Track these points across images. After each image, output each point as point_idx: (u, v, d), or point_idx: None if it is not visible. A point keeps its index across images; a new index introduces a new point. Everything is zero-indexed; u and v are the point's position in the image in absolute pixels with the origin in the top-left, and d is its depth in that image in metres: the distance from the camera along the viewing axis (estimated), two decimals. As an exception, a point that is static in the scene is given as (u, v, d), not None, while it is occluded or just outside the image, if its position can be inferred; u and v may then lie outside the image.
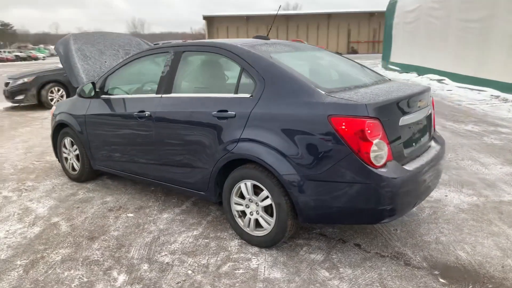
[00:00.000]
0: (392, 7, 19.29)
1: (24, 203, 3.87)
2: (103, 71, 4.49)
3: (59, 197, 4.02)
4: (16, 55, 50.48)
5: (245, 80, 2.93)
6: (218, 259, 2.80)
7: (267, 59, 2.89)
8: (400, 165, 2.58)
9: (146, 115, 3.40)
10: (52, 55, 55.95)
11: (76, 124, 4.14)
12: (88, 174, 4.33)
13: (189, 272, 2.65)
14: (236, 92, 2.95)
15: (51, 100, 9.74)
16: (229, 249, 2.94)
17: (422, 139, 2.97)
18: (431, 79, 13.28)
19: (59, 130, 4.48)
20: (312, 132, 2.55)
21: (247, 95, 2.87)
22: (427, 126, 3.08)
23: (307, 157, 2.57)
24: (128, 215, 3.56)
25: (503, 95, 9.48)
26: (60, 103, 4.56)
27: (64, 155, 4.51)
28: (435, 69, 13.86)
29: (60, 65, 6.90)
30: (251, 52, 2.96)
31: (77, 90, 3.94)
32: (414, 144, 2.83)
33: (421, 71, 15.05)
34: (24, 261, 2.83)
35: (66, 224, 3.40)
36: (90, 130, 4.01)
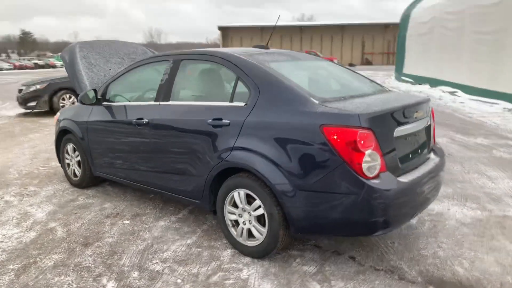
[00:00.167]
0: (406, 18, 19.20)
1: (24, 208, 3.91)
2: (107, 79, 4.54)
3: (58, 203, 4.04)
4: (35, 63, 51.71)
5: (240, 88, 2.92)
6: (209, 268, 2.77)
7: (262, 68, 2.88)
8: (394, 177, 2.52)
9: (144, 122, 3.42)
10: (69, 63, 56.94)
11: (78, 130, 4.19)
12: (89, 180, 4.36)
13: (178, 281, 2.62)
14: (231, 101, 2.95)
15: (63, 106, 9.90)
16: (221, 258, 2.91)
17: (419, 150, 2.91)
18: (443, 91, 13.11)
19: (62, 136, 4.53)
20: (304, 142, 2.52)
21: (242, 104, 2.86)
22: (425, 138, 3.02)
23: (299, 167, 2.53)
24: (124, 222, 3.56)
25: (516, 108, 9.29)
26: (64, 109, 4.62)
27: (67, 161, 4.55)
28: (448, 81, 13.68)
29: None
30: (247, 60, 2.96)
31: (79, 97, 3.99)
32: (410, 155, 2.78)
33: (433, 83, 14.88)
34: (17, 265, 2.84)
35: (62, 230, 3.41)
36: (91, 136, 4.05)
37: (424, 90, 14.27)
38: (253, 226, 2.83)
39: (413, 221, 3.50)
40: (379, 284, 2.57)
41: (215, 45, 67.77)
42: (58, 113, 4.69)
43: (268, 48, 3.55)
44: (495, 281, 2.59)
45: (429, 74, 15.65)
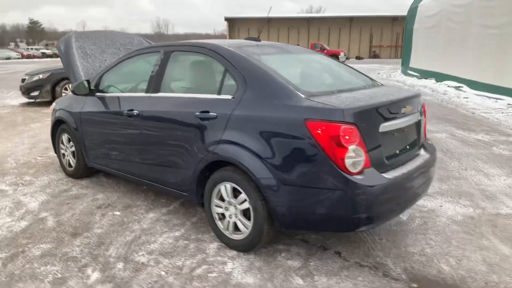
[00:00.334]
0: (413, 11, 18.96)
1: (18, 197, 3.94)
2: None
3: (52, 193, 4.07)
4: (42, 52, 52.00)
5: (228, 81, 2.90)
6: (194, 261, 2.78)
7: (250, 60, 2.85)
8: (378, 173, 2.50)
9: (135, 113, 3.42)
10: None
11: (72, 121, 4.20)
12: (83, 171, 4.38)
13: (162, 273, 2.63)
14: (219, 93, 2.93)
15: (65, 97, 9.93)
16: (207, 251, 2.91)
17: (408, 146, 2.88)
18: (448, 86, 12.97)
19: (58, 126, 4.55)
20: (288, 136, 2.50)
21: (229, 97, 2.84)
22: (414, 134, 2.99)
23: (283, 161, 2.52)
24: (115, 213, 3.58)
25: (521, 104, 9.17)
26: (60, 99, 4.64)
27: (62, 151, 4.58)
28: (454, 76, 13.53)
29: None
30: (235, 52, 2.94)
31: (71, 87, 3.99)
32: (397, 151, 2.75)
33: (439, 77, 14.72)
34: (5, 254, 2.87)
35: (53, 220, 3.44)
36: (85, 127, 4.06)
37: (429, 84, 14.12)
38: (239, 219, 2.83)
39: (403, 217, 3.48)
40: (362, 280, 2.56)
41: (223, 37, 67.52)
42: (54, 103, 4.71)
43: (259, 41, 3.52)
44: (480, 279, 2.57)
45: (435, 69, 15.48)
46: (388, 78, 18.51)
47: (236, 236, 2.88)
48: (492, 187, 4.24)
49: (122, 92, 3.79)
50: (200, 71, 3.34)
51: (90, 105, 3.98)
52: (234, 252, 2.89)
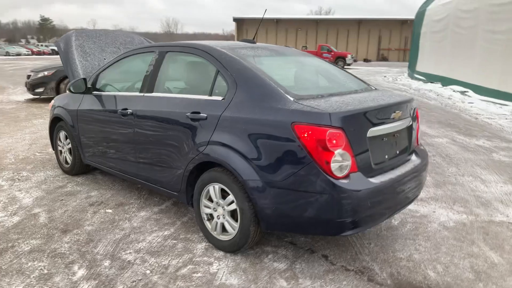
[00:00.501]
0: (420, 15, 18.85)
1: (13, 193, 3.98)
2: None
3: (47, 189, 4.11)
4: (52, 49, 52.40)
5: (219, 82, 2.91)
6: (180, 261, 2.79)
7: (241, 62, 2.86)
8: (364, 177, 2.49)
9: (128, 113, 3.44)
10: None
11: (69, 118, 4.24)
12: (79, 168, 4.41)
13: (147, 272, 2.65)
14: (210, 94, 2.94)
15: (69, 94, 10.01)
16: (194, 251, 2.92)
17: (397, 151, 2.86)
18: (454, 91, 12.87)
19: (56, 123, 4.59)
20: (275, 139, 2.50)
21: (220, 98, 2.85)
22: (405, 139, 2.97)
23: (270, 163, 2.52)
24: (106, 210, 3.60)
25: (525, 110, 9.08)
26: (59, 97, 4.67)
27: (59, 148, 4.62)
28: (460, 81, 13.43)
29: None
30: (227, 54, 2.95)
31: (68, 85, 4.03)
32: (386, 156, 2.74)
33: (446, 81, 14.62)
34: (-6, 249, 2.91)
35: (45, 216, 3.47)
36: (81, 125, 4.09)
37: (435, 88, 14.03)
38: (226, 220, 2.84)
39: (395, 222, 3.47)
40: (346, 284, 2.55)
41: (231, 37, 67.55)
42: (53, 100, 4.75)
43: (254, 42, 3.52)
44: (466, 287, 2.55)
45: (441, 73, 15.38)
46: (394, 81, 18.42)
47: (224, 237, 2.88)
48: (488, 193, 4.20)
49: (117, 91, 3.81)
50: (192, 72, 3.35)
51: (86, 103, 4.01)
52: (221, 253, 2.90)
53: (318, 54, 31.13)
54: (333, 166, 2.38)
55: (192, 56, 3.19)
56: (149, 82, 3.39)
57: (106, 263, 2.74)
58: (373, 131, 2.57)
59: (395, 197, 2.74)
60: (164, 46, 3.43)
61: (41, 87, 9.88)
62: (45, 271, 2.63)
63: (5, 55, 46.11)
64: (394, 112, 2.74)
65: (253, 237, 2.73)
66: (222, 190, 2.83)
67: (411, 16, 20.68)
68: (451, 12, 14.82)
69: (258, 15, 55.85)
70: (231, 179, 2.71)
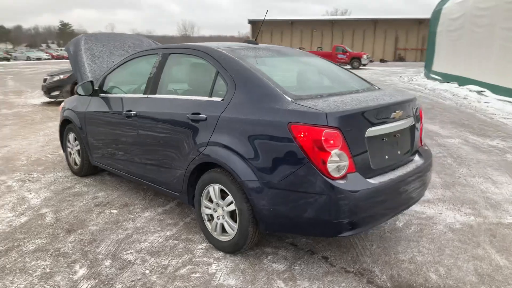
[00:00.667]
0: (436, 14, 18.56)
1: (23, 193, 4.08)
2: (107, 71, 4.63)
3: (56, 190, 4.19)
4: (71, 54, 53.32)
5: (219, 83, 2.92)
6: (180, 261, 2.81)
7: (240, 63, 2.87)
8: (362, 178, 2.46)
9: (133, 114, 3.48)
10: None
11: (77, 120, 4.31)
12: (88, 169, 4.48)
13: (147, 271, 2.67)
14: (210, 95, 2.96)
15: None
16: (194, 252, 2.94)
17: (399, 151, 2.82)
18: (470, 90, 12.62)
19: (65, 125, 4.68)
20: (273, 139, 2.50)
21: (219, 99, 2.86)
22: (407, 139, 2.93)
23: (267, 164, 2.52)
24: (111, 211, 3.65)
25: (544, 110, 8.83)
26: (68, 99, 4.76)
27: (68, 149, 4.70)
28: (477, 80, 13.16)
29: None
30: (226, 55, 2.96)
31: (75, 88, 4.10)
32: (386, 156, 2.70)
33: (462, 81, 14.35)
34: (0, 248, 2.97)
35: (52, 216, 3.53)
36: (88, 126, 4.16)
37: (451, 88, 13.78)
38: (226, 221, 2.84)
39: (399, 224, 3.41)
40: (345, 286, 2.52)
41: (247, 39, 67.76)
42: (63, 103, 4.84)
43: (256, 43, 3.52)
44: (468, 290, 2.50)
45: (458, 72, 15.10)
46: (410, 81, 18.17)
47: (223, 238, 2.89)
48: (499, 195, 4.10)
49: (123, 93, 3.87)
50: (194, 73, 3.37)
51: (93, 105, 4.08)
52: (220, 254, 2.91)
53: (333, 54, 30.96)
54: (330, 166, 2.36)
55: (194, 58, 3.21)
56: (152, 84, 3.42)
57: (107, 262, 2.78)
58: (372, 131, 2.54)
59: (396, 198, 2.70)
60: (166, 48, 3.46)
61: (57, 90, 10.09)
62: (47, 270, 2.68)
63: (26, 60, 47.27)
64: (394, 112, 2.70)
65: (252, 238, 2.73)
66: (222, 191, 2.84)
67: (428, 15, 20.35)
68: (468, 10, 14.54)
69: (273, 17, 55.88)
70: (230, 179, 2.72)
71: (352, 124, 2.45)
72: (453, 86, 14.21)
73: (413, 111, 2.99)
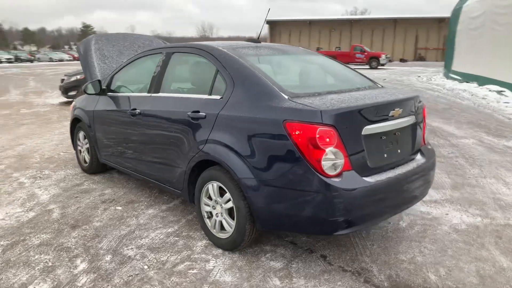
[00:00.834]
0: (457, 13, 18.17)
1: (33, 190, 4.19)
2: (116, 70, 4.71)
3: (65, 186, 4.29)
4: (92, 55, 54.38)
5: (219, 81, 2.94)
6: (178, 257, 2.84)
7: (239, 61, 2.88)
8: (358, 176, 2.44)
9: (137, 112, 3.54)
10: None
11: (86, 119, 4.41)
12: (96, 167, 4.57)
13: (145, 267, 2.71)
14: (210, 94, 2.98)
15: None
16: (194, 248, 2.96)
17: (399, 150, 2.78)
18: (490, 90, 12.30)
19: (75, 124, 4.78)
20: (268, 137, 2.50)
21: (218, 97, 2.88)
22: (408, 137, 2.89)
23: (263, 161, 2.52)
24: (116, 208, 3.71)
25: None
26: (78, 98, 4.86)
27: (78, 147, 4.81)
28: (497, 80, 12.82)
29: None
30: (227, 53, 2.97)
31: (83, 87, 4.19)
32: (385, 155, 2.67)
33: (482, 81, 14.00)
34: (7, 242, 3.06)
35: (59, 212, 3.62)
36: (97, 125, 4.24)
37: (470, 88, 13.47)
38: (224, 218, 2.86)
39: (403, 224, 3.37)
40: (341, 285, 2.51)
41: (264, 40, 67.85)
42: (74, 102, 4.95)
43: (259, 42, 3.53)
44: (467, 292, 2.45)
45: (477, 72, 14.74)
46: (428, 81, 17.85)
47: (222, 235, 2.91)
48: (509, 196, 4.00)
49: (128, 92, 3.93)
50: (195, 72, 3.40)
51: (101, 104, 4.16)
52: (219, 251, 2.92)
53: (351, 54, 30.68)
54: (325, 164, 2.35)
55: (195, 56, 3.24)
56: (156, 83, 3.47)
57: (108, 257, 2.83)
58: (369, 129, 2.52)
59: (395, 197, 2.67)
60: (170, 48, 3.51)
61: (74, 90, 10.29)
62: (50, 264, 2.75)
63: (48, 61, 48.45)
64: (393, 110, 2.66)
65: (249, 235, 2.73)
66: (221, 189, 2.85)
67: (449, 14, 19.96)
68: (488, 8, 14.19)
69: (291, 17, 55.73)
70: (228, 177, 2.73)
71: (348, 122, 2.43)
72: (472, 86, 13.89)
73: (415, 109, 2.94)
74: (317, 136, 2.32)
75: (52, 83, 17.29)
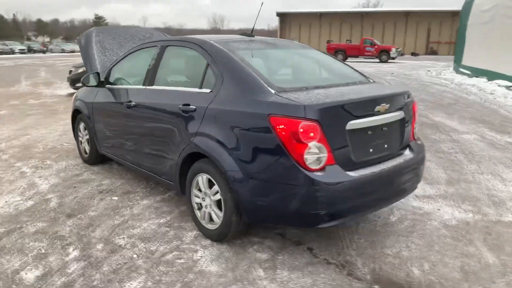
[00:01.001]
0: (468, 6, 17.88)
1: (33, 179, 4.29)
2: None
3: (65, 176, 4.38)
4: (103, 46, 54.67)
5: (209, 75, 2.98)
6: (168, 247, 2.90)
7: (229, 55, 2.91)
8: (342, 170, 2.47)
9: (132, 105, 3.60)
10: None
11: (86, 110, 4.49)
12: (96, 157, 4.65)
13: (134, 256, 2.78)
14: (200, 87, 3.02)
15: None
16: (184, 239, 3.03)
17: (386, 145, 2.80)
18: (499, 85, 12.13)
19: (76, 115, 4.87)
20: (253, 130, 2.54)
21: (208, 90, 2.92)
22: (396, 133, 2.90)
23: (249, 155, 2.56)
24: (112, 198, 3.79)
25: None
26: (80, 90, 4.95)
27: (79, 138, 4.90)
28: (506, 75, 12.62)
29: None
30: (217, 47, 3.01)
31: (81, 79, 4.26)
32: (371, 149, 2.69)
33: (491, 76, 13.80)
34: (4, 229, 3.16)
35: (56, 201, 3.71)
36: (95, 116, 4.32)
37: (478, 83, 13.30)
38: (213, 210, 2.91)
39: (392, 218, 3.39)
40: (324, 277, 2.55)
41: (275, 32, 67.40)
42: (75, 93, 5.03)
43: (253, 36, 3.55)
44: (449, 287, 2.47)
45: (487, 67, 14.52)
46: (437, 75, 17.64)
47: (211, 226, 2.96)
48: (504, 193, 3.98)
49: (125, 84, 3.99)
50: (187, 65, 3.45)
51: (100, 96, 4.23)
52: (208, 242, 2.98)
53: (360, 47, 30.41)
54: (307, 158, 2.38)
55: (188, 50, 3.28)
56: (151, 76, 3.52)
57: (99, 246, 2.91)
58: (353, 124, 2.54)
59: (380, 191, 2.69)
60: (165, 41, 3.55)
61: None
62: (43, 251, 2.84)
63: (60, 52, 48.89)
64: (379, 105, 2.67)
65: (236, 227, 2.78)
66: (210, 181, 2.90)
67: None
68: (500, 1, 13.95)
69: (302, 9, 55.31)
70: (216, 170, 2.78)
71: (332, 117, 2.45)
72: (482, 81, 13.70)
73: (404, 104, 2.95)
74: (300, 130, 2.35)
75: (62, 74, 17.45)
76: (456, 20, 45.55)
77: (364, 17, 50.37)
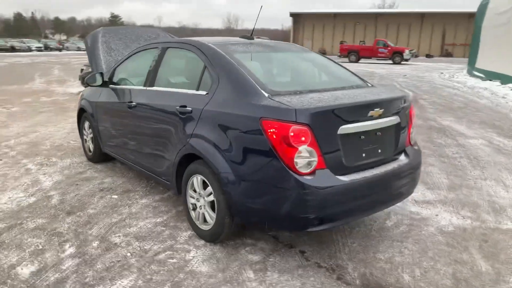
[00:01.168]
0: (483, 8, 17.63)
1: (38, 176, 4.38)
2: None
3: (68, 174, 4.47)
4: (118, 45, 55.30)
5: (205, 77, 3.02)
6: (161, 246, 2.94)
7: (225, 58, 2.94)
8: (332, 175, 2.48)
9: (133, 105, 3.65)
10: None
11: (90, 109, 4.57)
12: (99, 156, 4.73)
13: (128, 254, 2.83)
14: (197, 89, 3.06)
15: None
16: (178, 239, 3.06)
17: (379, 150, 2.79)
18: (511, 89, 11.94)
19: (81, 114, 4.96)
20: (245, 133, 2.57)
21: (204, 92, 2.96)
22: (391, 137, 2.89)
23: (240, 157, 2.59)
24: (112, 196, 3.85)
25: None
26: (85, 89, 5.03)
27: (84, 137, 4.98)
28: (520, 79, 12.43)
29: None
30: (214, 49, 3.04)
31: (85, 79, 4.33)
32: (363, 154, 2.69)
33: (505, 79, 13.59)
34: (5, 225, 3.24)
35: (58, 198, 3.79)
36: (99, 116, 4.40)
37: (491, 87, 13.10)
38: (206, 211, 2.95)
39: (388, 223, 3.38)
40: (313, 281, 2.56)
41: (289, 32, 67.26)
42: (82, 92, 5.12)
43: (252, 38, 3.57)
44: (438, 293, 2.46)
45: (501, 70, 14.30)
46: (450, 78, 17.44)
47: (204, 227, 3.00)
48: (506, 200, 3.93)
49: (127, 85, 4.05)
50: (185, 67, 3.49)
51: (103, 96, 4.30)
52: (202, 242, 3.01)
53: (373, 49, 30.18)
54: (298, 162, 2.39)
55: (186, 52, 3.32)
56: (151, 77, 3.57)
57: (95, 244, 2.96)
58: (345, 129, 2.54)
59: (372, 196, 2.69)
60: (165, 42, 3.60)
61: (92, 80, 10.55)
62: (40, 247, 2.90)
63: (76, 50, 49.58)
64: (373, 110, 2.67)
65: (228, 228, 2.81)
66: (204, 182, 2.93)
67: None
68: (515, 4, 13.72)
69: (316, 9, 55.10)
70: (210, 171, 2.81)
71: (323, 121, 2.46)
72: (495, 85, 13.50)
73: (401, 109, 2.94)
74: (291, 134, 2.37)
75: (75, 72, 17.65)
76: (472, 22, 44.84)
77: (379, 18, 49.96)
